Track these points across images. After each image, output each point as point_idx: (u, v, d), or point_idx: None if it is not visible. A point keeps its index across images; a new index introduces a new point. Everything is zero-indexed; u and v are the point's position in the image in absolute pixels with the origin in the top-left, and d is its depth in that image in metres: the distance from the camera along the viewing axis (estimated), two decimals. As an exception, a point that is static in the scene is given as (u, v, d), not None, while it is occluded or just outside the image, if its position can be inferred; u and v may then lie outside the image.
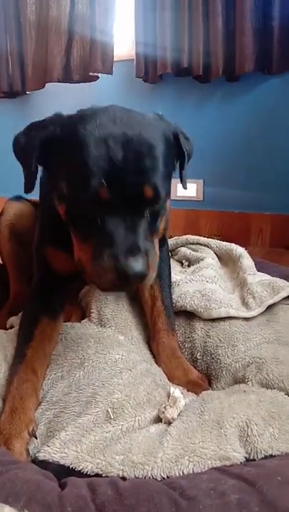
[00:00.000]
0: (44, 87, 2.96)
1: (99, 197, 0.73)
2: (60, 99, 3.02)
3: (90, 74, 2.82)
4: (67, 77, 2.90)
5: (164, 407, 0.81)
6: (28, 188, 0.86)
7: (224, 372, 1.01)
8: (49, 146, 0.81)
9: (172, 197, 1.10)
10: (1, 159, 3.46)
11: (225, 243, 1.46)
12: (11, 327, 1.10)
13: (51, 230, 1.02)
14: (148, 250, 0.76)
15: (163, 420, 0.80)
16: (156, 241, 0.83)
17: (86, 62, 2.81)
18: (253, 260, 1.39)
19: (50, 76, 2.88)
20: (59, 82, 2.90)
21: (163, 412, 0.80)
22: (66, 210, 0.82)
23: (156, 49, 2.55)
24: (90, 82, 2.87)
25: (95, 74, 2.82)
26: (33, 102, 3.24)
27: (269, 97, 2.46)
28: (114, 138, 0.75)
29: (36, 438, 0.77)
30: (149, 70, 2.63)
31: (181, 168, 0.93)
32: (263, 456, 0.73)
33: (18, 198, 1.41)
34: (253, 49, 2.31)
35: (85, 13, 2.77)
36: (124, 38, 2.82)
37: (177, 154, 0.91)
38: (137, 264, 0.71)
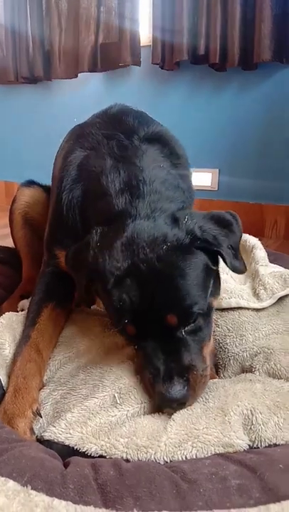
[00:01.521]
0: (77, 76, 2.99)
1: (127, 333, 0.79)
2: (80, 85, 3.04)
3: (120, 64, 2.80)
4: (96, 67, 2.92)
5: None
6: (82, 298, 0.94)
7: (232, 361, 1.01)
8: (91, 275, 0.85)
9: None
10: (14, 144, 3.51)
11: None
12: (22, 310, 1.11)
13: (60, 232, 1.04)
14: (190, 368, 0.76)
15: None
16: (206, 352, 0.83)
17: (115, 53, 2.81)
18: (268, 251, 1.37)
19: (82, 66, 2.91)
20: (89, 72, 2.93)
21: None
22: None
23: (174, 36, 2.52)
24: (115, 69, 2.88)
25: (124, 65, 2.80)
26: (54, 88, 3.25)
27: (286, 86, 2.41)
28: (130, 277, 0.77)
29: (41, 417, 0.79)
30: (165, 57, 2.61)
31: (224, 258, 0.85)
32: (267, 444, 0.73)
33: (31, 184, 1.42)
34: (271, 37, 2.26)
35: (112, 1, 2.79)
36: (142, 25, 2.79)
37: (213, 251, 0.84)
38: (173, 391, 0.73)
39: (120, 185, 0.91)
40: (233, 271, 0.87)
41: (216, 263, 0.87)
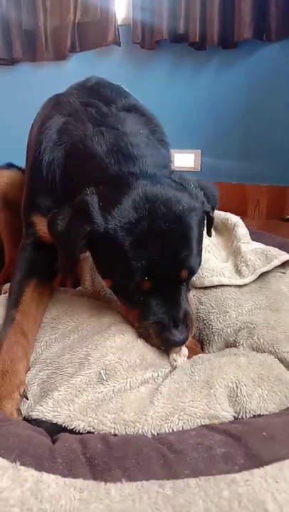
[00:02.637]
0: (65, 58, 2.93)
1: (141, 287, 0.83)
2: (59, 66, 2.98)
3: (100, 44, 2.76)
4: (75, 48, 2.87)
5: (173, 355, 0.88)
6: (66, 270, 0.97)
7: (216, 337, 1.03)
8: (91, 236, 0.83)
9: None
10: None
11: (221, 212, 1.45)
12: (6, 292, 1.10)
13: (38, 196, 1.02)
14: (187, 314, 0.87)
15: (172, 366, 0.87)
16: (190, 295, 0.96)
17: (94, 33, 2.77)
18: (250, 230, 1.38)
19: (64, 47, 2.86)
20: (68, 52, 2.88)
21: (172, 360, 0.88)
22: (112, 286, 0.90)
23: (153, 15, 2.48)
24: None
25: (104, 44, 2.76)
26: (31, 70, 3.17)
27: (267, 64, 2.40)
28: (151, 235, 0.81)
29: (28, 399, 0.79)
30: (145, 37, 2.57)
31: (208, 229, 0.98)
32: (252, 415, 0.75)
33: (9, 166, 1.40)
34: (251, 15, 2.25)
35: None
36: (121, 4, 2.73)
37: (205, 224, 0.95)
38: (178, 335, 0.84)
39: (108, 146, 0.91)
40: (208, 235, 1.00)
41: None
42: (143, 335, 0.89)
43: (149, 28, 2.53)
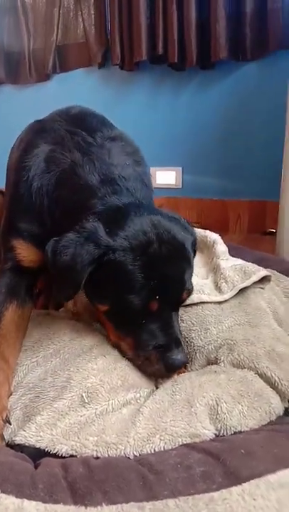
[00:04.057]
0: (47, 79, 3.00)
1: (148, 308, 0.85)
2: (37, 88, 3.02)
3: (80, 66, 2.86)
4: (55, 70, 2.95)
5: None
6: (66, 300, 1.02)
7: (197, 354, 1.04)
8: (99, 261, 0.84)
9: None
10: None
11: (200, 230, 1.48)
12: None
13: (21, 221, 1.02)
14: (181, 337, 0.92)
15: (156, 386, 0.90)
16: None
17: (73, 55, 2.88)
18: (229, 246, 1.41)
19: (46, 68, 2.94)
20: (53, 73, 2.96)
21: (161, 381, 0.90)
22: (108, 311, 0.90)
23: (132, 36, 2.54)
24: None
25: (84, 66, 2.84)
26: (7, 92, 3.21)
27: (244, 83, 2.47)
28: (161, 257, 0.85)
29: (10, 424, 0.79)
30: (125, 57, 2.62)
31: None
32: (233, 432, 0.76)
33: None
34: (226, 36, 2.32)
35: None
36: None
37: None
38: (181, 356, 0.87)
39: (100, 177, 0.94)
40: None
41: None
42: (142, 363, 0.89)
43: (128, 49, 2.59)
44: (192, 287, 0.92)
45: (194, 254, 0.99)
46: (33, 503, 0.54)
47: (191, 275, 0.91)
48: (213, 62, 2.45)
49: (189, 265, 0.91)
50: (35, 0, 2.97)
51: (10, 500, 0.54)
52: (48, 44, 2.91)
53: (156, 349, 0.87)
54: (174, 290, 0.88)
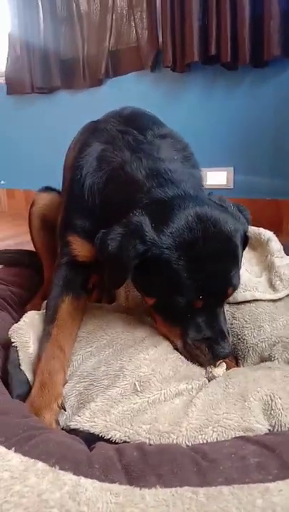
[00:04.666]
0: (100, 84, 3.08)
1: (193, 306, 0.86)
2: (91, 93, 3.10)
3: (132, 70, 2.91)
4: (108, 74, 3.03)
5: (211, 366, 0.90)
6: (114, 289, 1.09)
7: (250, 351, 1.03)
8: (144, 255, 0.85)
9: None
10: (29, 155, 3.59)
11: (253, 227, 1.46)
12: (45, 309, 1.15)
13: (76, 217, 1.06)
14: (228, 329, 0.93)
15: (209, 378, 0.89)
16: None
17: (126, 59, 2.93)
18: (284, 245, 1.38)
19: (100, 73, 3.02)
20: (106, 78, 3.05)
21: (210, 372, 0.90)
22: (156, 304, 0.92)
23: (184, 38, 2.55)
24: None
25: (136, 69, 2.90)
26: (66, 98, 3.32)
27: (298, 81, 2.41)
28: (205, 255, 0.84)
29: (65, 410, 0.82)
30: (177, 60, 2.64)
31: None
32: (287, 429, 0.75)
33: (47, 189, 1.46)
34: (280, 33, 2.27)
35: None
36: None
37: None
38: (226, 348, 0.88)
39: (147, 171, 0.95)
40: None
41: None
42: (189, 353, 0.91)
43: (180, 50, 2.60)
44: (238, 283, 0.90)
45: (245, 244, 0.97)
46: (90, 480, 0.55)
47: (238, 270, 0.89)
48: (266, 60, 2.40)
49: (236, 260, 0.88)
50: (90, 7, 3.07)
51: (68, 477, 0.56)
52: (101, 49, 2.99)
53: (205, 340, 0.88)
54: (219, 287, 0.87)
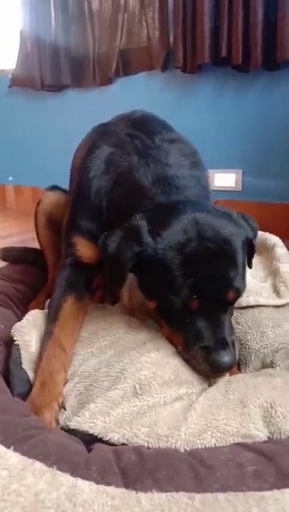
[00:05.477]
0: (110, 83, 3.08)
1: (188, 306, 0.85)
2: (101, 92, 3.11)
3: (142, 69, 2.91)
4: (118, 74, 3.02)
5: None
6: (113, 289, 1.08)
7: (252, 357, 1.03)
8: (140, 257, 0.87)
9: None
10: (37, 152, 3.60)
11: (260, 232, 1.45)
12: (48, 308, 1.15)
13: (81, 219, 1.07)
14: (233, 339, 0.90)
15: (209, 384, 0.89)
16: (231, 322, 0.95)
17: (136, 58, 2.93)
18: (290, 250, 1.37)
19: (110, 72, 3.02)
20: (116, 77, 3.05)
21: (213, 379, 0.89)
22: (157, 307, 0.92)
23: (195, 39, 2.54)
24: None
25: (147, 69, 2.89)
26: (76, 96, 3.32)
27: (310, 85, 2.40)
28: (199, 254, 0.84)
29: (65, 409, 0.82)
30: (187, 60, 2.63)
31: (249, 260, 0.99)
32: (287, 436, 0.74)
33: (54, 188, 1.47)
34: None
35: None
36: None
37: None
38: (227, 358, 0.85)
39: (153, 177, 0.96)
40: (249, 266, 0.98)
41: None
42: (189, 360, 0.90)
43: (191, 51, 2.59)
44: (241, 286, 0.88)
45: (251, 252, 0.97)
46: (87, 482, 0.55)
47: (239, 273, 0.87)
48: (278, 63, 2.39)
49: (234, 263, 0.86)
50: (102, 6, 3.07)
51: (65, 478, 0.56)
52: (112, 48, 2.99)
53: (202, 349, 0.86)
54: (216, 288, 0.85)
